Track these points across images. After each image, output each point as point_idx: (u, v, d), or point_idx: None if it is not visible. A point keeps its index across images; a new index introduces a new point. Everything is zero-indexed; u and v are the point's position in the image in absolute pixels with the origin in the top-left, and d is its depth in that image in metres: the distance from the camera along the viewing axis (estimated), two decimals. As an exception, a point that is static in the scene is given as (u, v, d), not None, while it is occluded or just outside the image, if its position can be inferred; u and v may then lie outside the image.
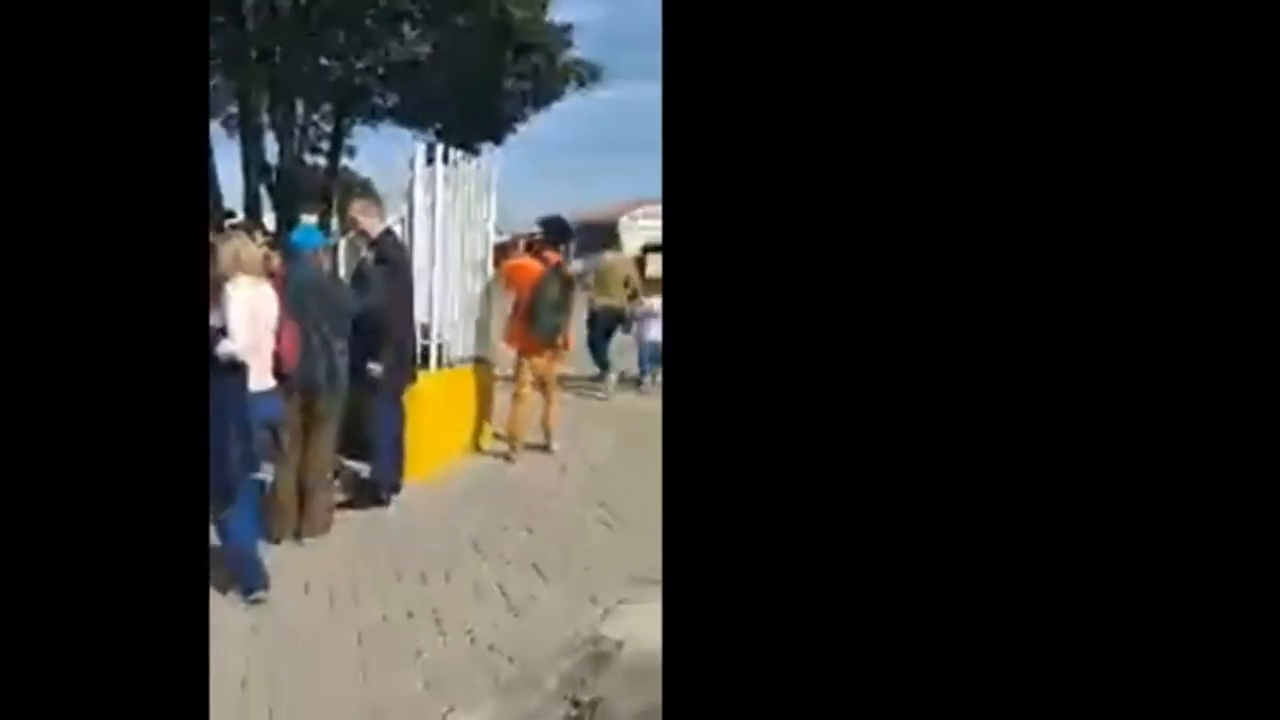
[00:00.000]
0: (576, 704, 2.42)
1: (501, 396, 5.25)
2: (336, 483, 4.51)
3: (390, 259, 3.94)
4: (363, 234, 4.02)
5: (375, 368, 3.89)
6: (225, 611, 2.87)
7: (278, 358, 3.23)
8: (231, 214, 4.27)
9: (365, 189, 5.45)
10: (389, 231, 4.08)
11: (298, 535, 3.63)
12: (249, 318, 3.03)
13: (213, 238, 3.39)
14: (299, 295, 3.49)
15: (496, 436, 5.25)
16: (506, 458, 4.98)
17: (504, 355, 5.36)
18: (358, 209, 4.05)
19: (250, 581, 3.02)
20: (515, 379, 5.03)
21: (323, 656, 2.70)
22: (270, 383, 3.16)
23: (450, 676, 2.60)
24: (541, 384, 5.10)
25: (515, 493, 4.49)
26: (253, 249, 3.13)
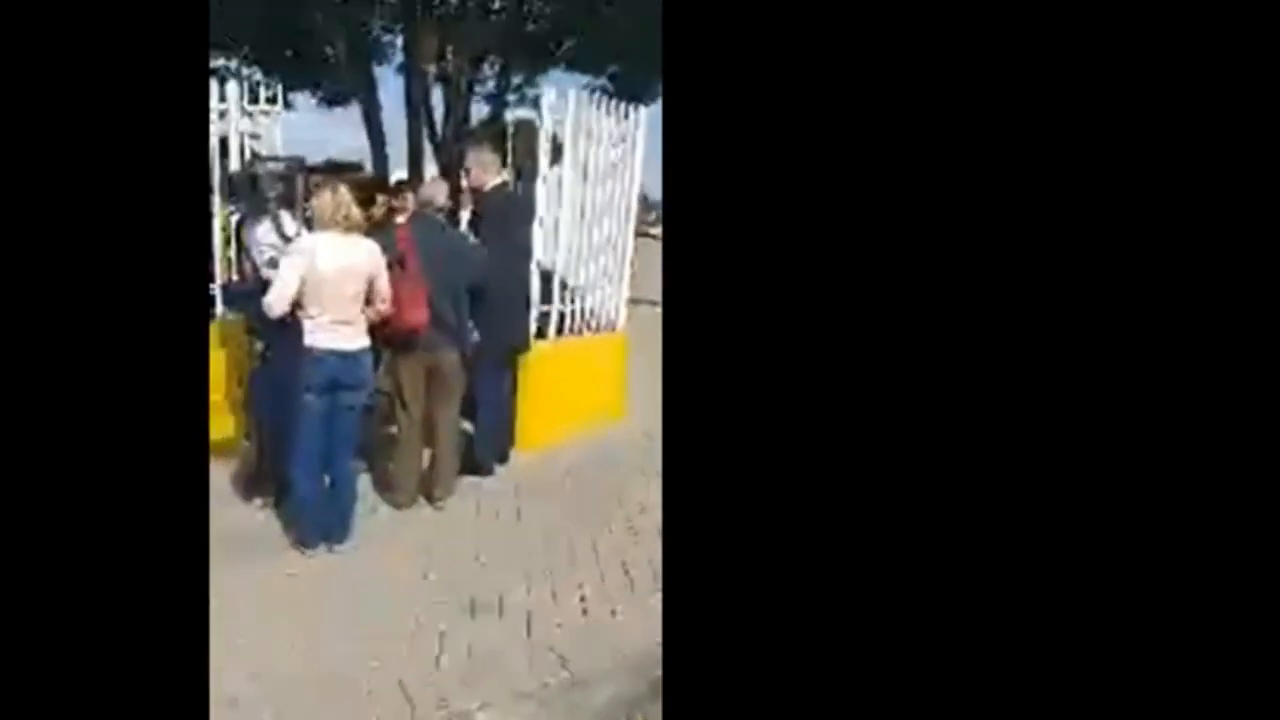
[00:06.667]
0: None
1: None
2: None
3: (489, 216, 3.58)
4: (475, 189, 3.69)
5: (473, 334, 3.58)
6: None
7: (392, 317, 3.04)
8: (359, 166, 4.05)
9: (484, 140, 5.17)
10: (503, 185, 3.71)
11: (429, 498, 3.49)
12: (311, 274, 2.81)
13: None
14: (422, 253, 3.25)
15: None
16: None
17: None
18: (471, 160, 3.72)
19: (300, 535, 3.02)
20: None
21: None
22: (357, 344, 2.91)
23: None
24: None
25: (613, 473, 4.07)
26: (332, 199, 2.84)
